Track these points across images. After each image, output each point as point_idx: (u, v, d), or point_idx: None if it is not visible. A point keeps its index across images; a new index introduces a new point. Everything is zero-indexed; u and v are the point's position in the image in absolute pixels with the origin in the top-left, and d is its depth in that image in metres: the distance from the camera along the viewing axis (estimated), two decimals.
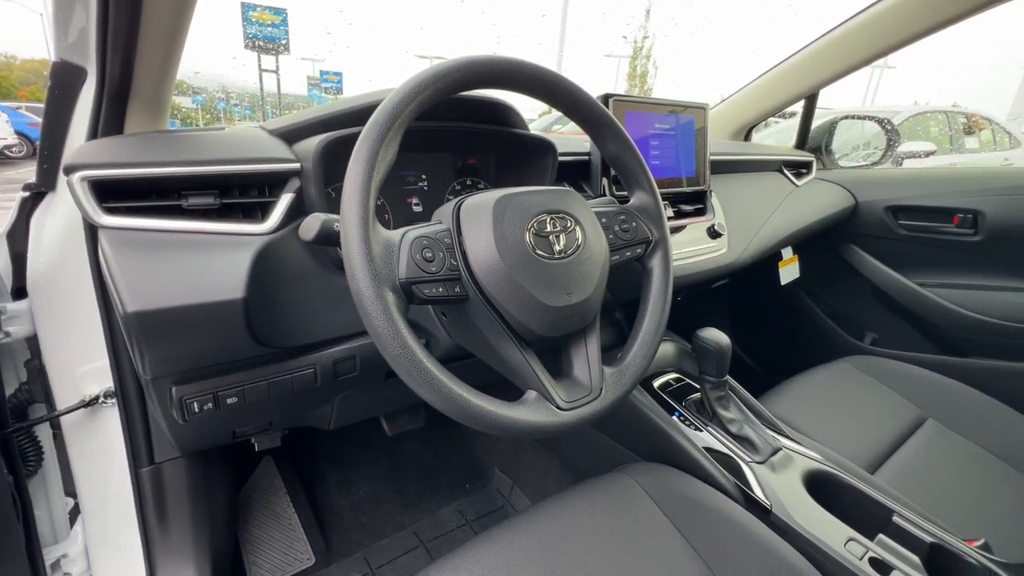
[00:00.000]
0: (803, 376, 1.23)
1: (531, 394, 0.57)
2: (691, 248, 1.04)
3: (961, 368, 1.29)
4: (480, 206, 0.57)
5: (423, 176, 0.89)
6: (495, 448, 1.34)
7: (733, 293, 1.73)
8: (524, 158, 0.89)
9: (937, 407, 1.16)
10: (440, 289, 0.53)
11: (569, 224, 0.61)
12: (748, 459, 0.85)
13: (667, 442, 0.89)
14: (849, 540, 0.73)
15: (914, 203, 1.40)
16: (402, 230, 0.53)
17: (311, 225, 0.51)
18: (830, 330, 1.54)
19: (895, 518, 0.77)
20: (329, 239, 0.51)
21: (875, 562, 0.70)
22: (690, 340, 0.96)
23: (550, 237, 0.58)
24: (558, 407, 0.57)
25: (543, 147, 0.86)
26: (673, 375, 1.05)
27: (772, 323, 1.68)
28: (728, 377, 0.94)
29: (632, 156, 0.72)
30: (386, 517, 1.21)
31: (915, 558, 0.71)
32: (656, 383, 1.02)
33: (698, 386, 0.97)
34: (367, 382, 0.80)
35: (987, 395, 1.18)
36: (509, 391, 0.58)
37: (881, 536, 0.74)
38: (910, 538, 0.75)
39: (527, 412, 0.54)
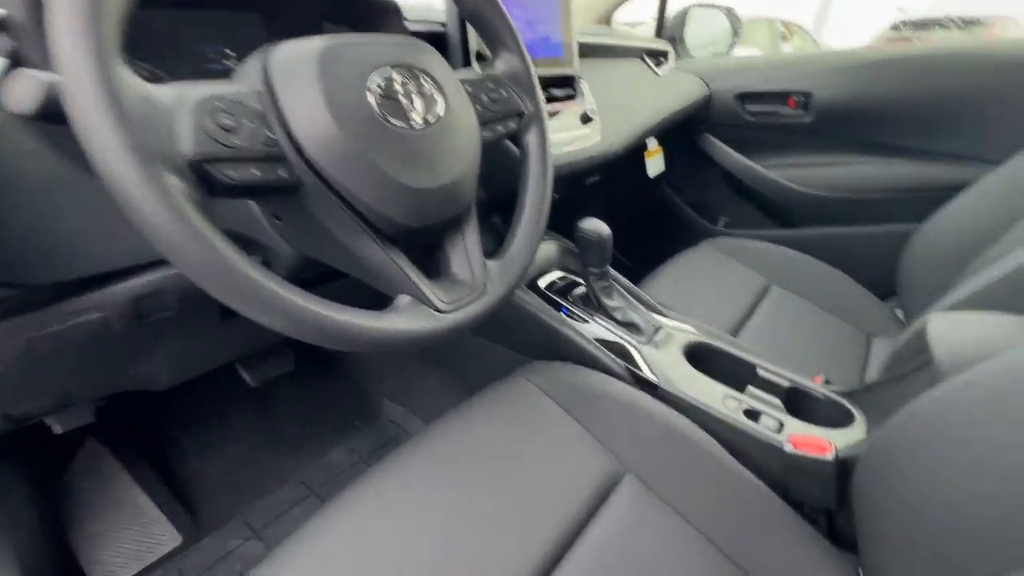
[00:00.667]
0: (671, 262, 1.29)
1: (403, 299, 0.47)
2: (565, 135, 0.97)
3: (796, 239, 1.46)
4: (300, 58, 0.42)
5: (229, 52, 0.67)
6: (380, 377, 1.24)
7: (605, 191, 1.75)
8: (358, 26, 0.72)
9: (778, 275, 1.30)
10: (256, 172, 0.38)
11: (425, 85, 0.48)
12: (634, 342, 0.86)
13: (558, 339, 0.86)
14: (726, 397, 0.77)
15: (758, 88, 1.47)
16: (178, 86, 0.36)
17: (24, 89, 0.33)
18: (691, 218, 1.64)
19: (759, 371, 0.84)
20: (59, 109, 0.33)
21: (748, 412, 0.75)
22: (571, 239, 0.92)
23: (402, 100, 0.46)
24: (438, 310, 0.48)
25: (382, 8, 0.69)
26: (558, 274, 1.02)
27: (641, 218, 1.75)
28: (610, 268, 0.92)
29: (495, 11, 0.60)
30: (265, 472, 1.07)
31: (777, 401, 0.78)
32: (542, 283, 0.98)
33: (582, 282, 0.95)
34: (195, 322, 0.63)
35: (816, 259, 1.35)
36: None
37: (749, 387, 0.81)
38: (771, 386, 0.82)
39: (402, 320, 0.45)
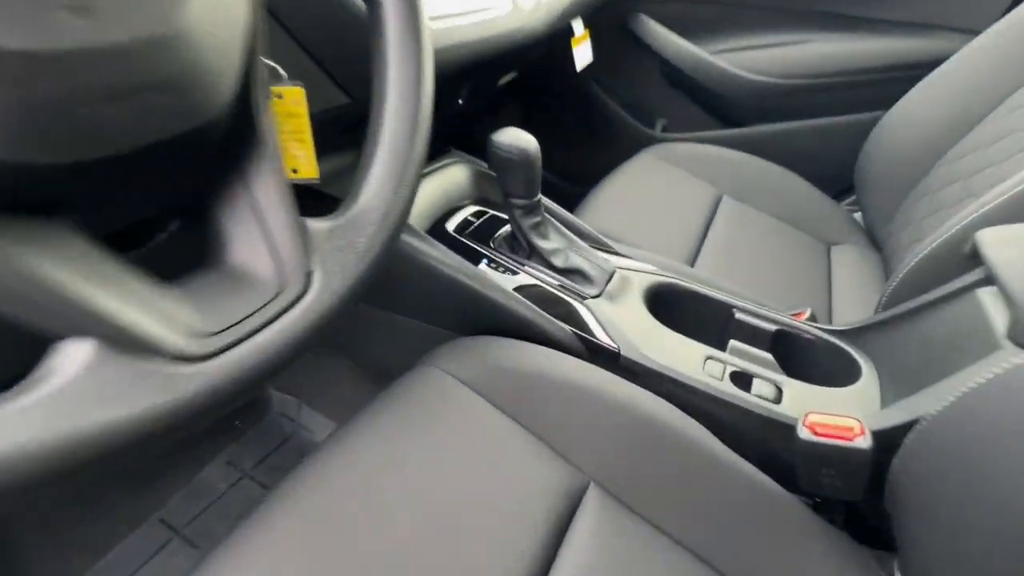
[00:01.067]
0: (608, 181, 1.07)
1: (72, 350, 0.19)
2: (462, 2, 0.67)
3: (745, 139, 1.27)
4: None
5: None
6: None
7: (526, 95, 1.45)
8: None
9: (728, 183, 1.12)
10: None
11: None
12: (583, 295, 0.64)
13: (479, 304, 0.62)
14: (707, 359, 0.58)
15: None
16: None
17: None
18: (626, 124, 1.39)
19: (736, 314, 0.66)
20: None
21: (736, 377, 0.57)
22: (485, 158, 0.65)
23: None
24: (179, 357, 0.21)
25: None
26: (472, 209, 0.76)
27: (571, 128, 1.48)
28: (541, 196, 0.68)
29: None
30: (109, 517, 0.79)
31: (768, 356, 0.61)
32: (450, 225, 0.71)
33: (506, 217, 0.70)
34: None
35: (767, 161, 1.17)
36: None
37: (732, 342, 0.62)
38: (755, 331, 0.65)
39: (48, 408, 0.18)
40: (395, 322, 0.72)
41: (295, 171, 0.48)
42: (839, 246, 1.05)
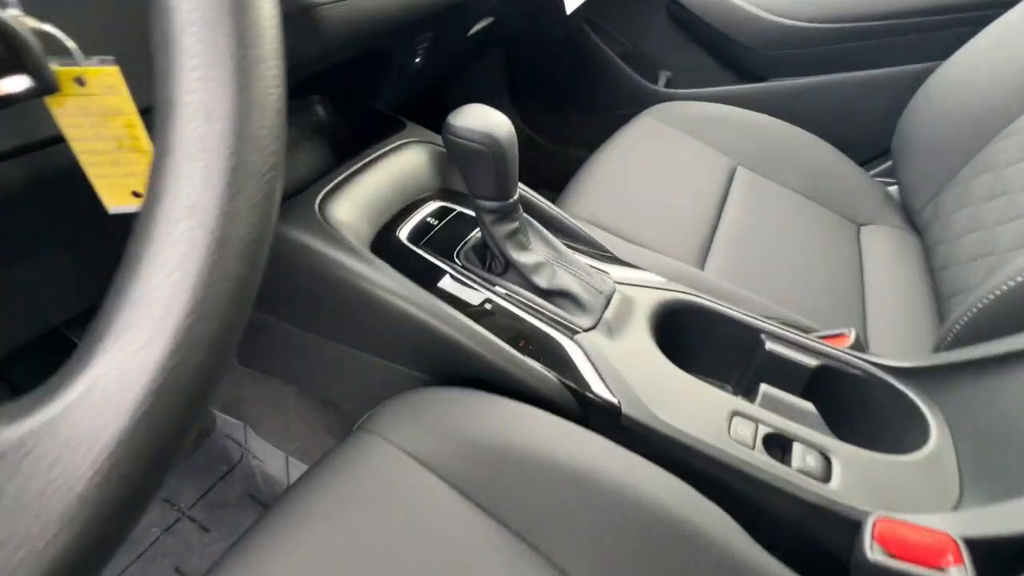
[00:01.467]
0: (604, 151, 0.90)
1: None
2: None
3: (764, 96, 1.09)
4: None
5: None
6: None
7: (505, 46, 1.24)
8: None
9: (743, 151, 0.95)
10: None
11: None
12: (573, 328, 0.50)
13: (435, 343, 0.48)
14: (733, 416, 0.45)
15: None
16: None
17: None
18: (625, 77, 1.20)
19: (767, 344, 0.52)
20: None
21: (771, 439, 0.44)
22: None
23: None
24: None
25: None
26: (433, 207, 0.60)
27: (559, 84, 1.28)
28: (522, 190, 0.52)
29: None
30: None
31: (810, 408, 0.48)
32: (403, 231, 0.55)
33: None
34: None
35: (790, 124, 1.00)
36: None
37: (765, 388, 0.49)
38: (791, 368, 0.51)
39: None
40: (342, 352, 0.57)
41: (137, 194, 0.32)
42: (870, 227, 0.90)
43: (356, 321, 0.52)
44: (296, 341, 0.59)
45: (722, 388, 0.59)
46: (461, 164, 0.47)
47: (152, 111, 0.30)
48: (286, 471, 0.77)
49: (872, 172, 1.05)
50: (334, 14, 0.35)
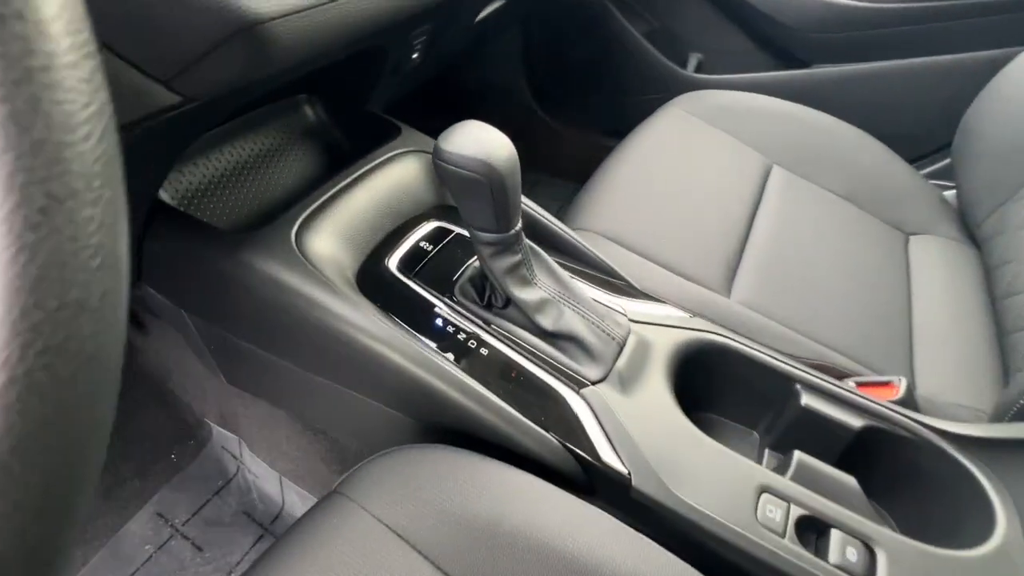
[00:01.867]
0: (624, 150, 0.82)
1: None
2: None
3: (805, 85, 0.98)
4: None
5: None
6: (205, 396, 0.79)
7: (522, 26, 1.14)
8: None
9: (781, 147, 0.86)
10: None
11: None
12: (580, 380, 0.44)
13: (422, 393, 0.43)
14: (762, 493, 0.39)
15: None
16: None
17: None
18: (651, 60, 1.09)
19: (803, 398, 0.46)
20: None
21: (805, 523, 0.38)
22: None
23: None
24: None
25: None
26: (429, 228, 0.54)
27: (581, 66, 1.18)
28: (529, 208, 0.46)
29: None
30: None
31: (852, 484, 0.41)
32: (392, 259, 0.50)
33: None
34: None
35: (835, 117, 0.90)
36: None
37: (799, 457, 0.43)
38: (829, 429, 0.45)
39: None
40: (327, 386, 0.53)
41: None
42: (920, 237, 0.81)
43: (338, 362, 0.47)
44: (281, 371, 0.54)
45: (747, 435, 0.53)
46: (454, 193, 0.41)
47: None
48: (280, 491, 0.74)
49: (925, 172, 0.95)
50: (288, 30, 0.29)
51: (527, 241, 0.46)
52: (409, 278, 0.48)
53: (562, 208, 1.25)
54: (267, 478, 0.75)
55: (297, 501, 0.73)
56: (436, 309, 0.47)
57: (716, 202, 0.76)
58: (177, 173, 0.52)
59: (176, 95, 0.31)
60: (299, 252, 0.44)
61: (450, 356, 0.44)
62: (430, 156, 0.57)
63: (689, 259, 0.66)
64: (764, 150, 0.86)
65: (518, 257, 0.45)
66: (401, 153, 0.55)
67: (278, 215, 0.48)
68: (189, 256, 0.47)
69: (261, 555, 0.38)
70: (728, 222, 0.74)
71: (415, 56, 0.60)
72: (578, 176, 1.24)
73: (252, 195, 0.56)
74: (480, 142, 0.38)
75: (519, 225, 0.43)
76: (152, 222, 0.47)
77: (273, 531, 0.74)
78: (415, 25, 0.54)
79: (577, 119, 1.27)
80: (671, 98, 0.92)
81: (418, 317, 0.46)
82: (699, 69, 1.09)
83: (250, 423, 0.73)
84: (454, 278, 0.50)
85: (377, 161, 0.53)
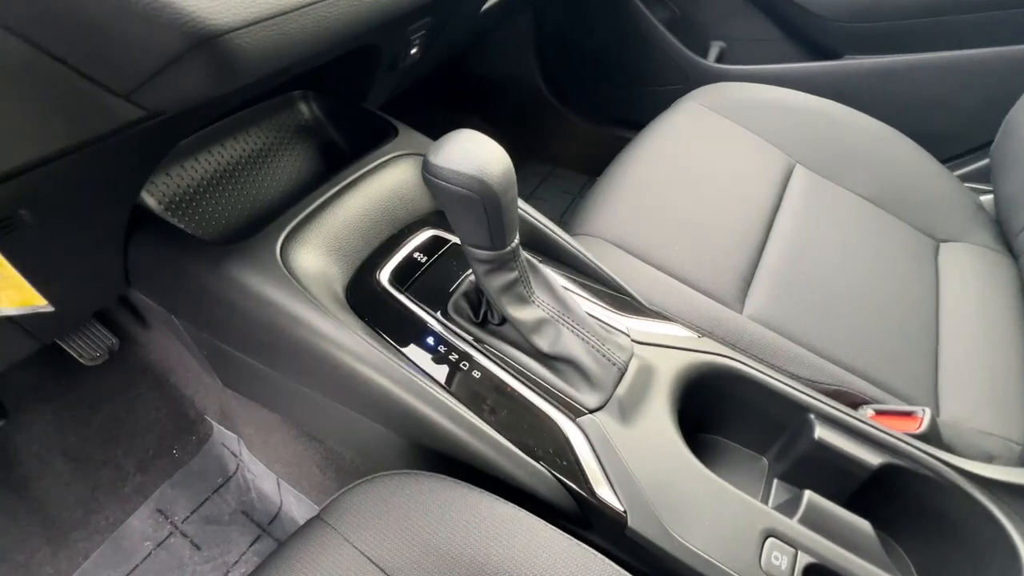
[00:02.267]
0: (636, 147, 0.78)
1: None
2: None
3: (833, 78, 0.92)
4: None
5: None
6: (206, 392, 0.78)
7: (534, 9, 1.09)
8: None
9: (804, 145, 0.81)
10: None
11: None
12: (577, 408, 0.42)
13: (409, 417, 0.41)
14: (768, 537, 0.36)
15: None
16: None
17: None
18: (669, 49, 1.04)
19: (817, 430, 0.43)
20: None
21: (813, 571, 0.36)
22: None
23: None
24: None
25: None
26: (425, 236, 0.52)
27: (596, 53, 1.13)
28: (527, 216, 0.43)
29: None
30: None
31: (866, 529, 0.38)
32: (384, 272, 0.48)
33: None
34: None
35: (862, 112, 0.84)
36: None
37: (810, 497, 0.40)
38: (844, 464, 0.42)
39: None
40: (318, 398, 0.51)
41: None
42: (952, 245, 0.76)
43: (326, 379, 0.45)
44: (273, 379, 0.53)
45: (756, 461, 0.50)
46: (446, 209, 0.38)
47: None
48: (278, 492, 0.74)
49: (960, 173, 0.89)
50: (254, 40, 0.26)
51: (525, 255, 0.43)
52: (401, 292, 0.46)
53: (571, 203, 1.21)
54: (265, 478, 0.74)
55: (294, 502, 0.73)
56: (428, 326, 0.45)
57: (732, 205, 0.72)
58: (164, 176, 0.50)
59: (139, 109, 0.29)
60: (284, 267, 0.42)
61: (440, 378, 0.42)
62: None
63: (699, 269, 0.62)
64: (787, 148, 0.81)
65: (514, 274, 0.42)
66: (397, 156, 0.53)
67: (268, 222, 0.46)
68: (173, 267, 0.45)
69: None
70: (744, 228, 0.70)
71: (414, 51, 0.57)
72: (590, 168, 1.19)
73: (242, 199, 0.54)
74: (473, 155, 0.35)
75: (516, 241, 0.41)
76: (137, 229, 0.46)
77: (271, 532, 0.74)
78: (410, 21, 0.50)
79: (591, 110, 1.22)
80: (690, 89, 0.87)
81: (409, 335, 0.44)
82: (721, 59, 1.03)
83: (248, 424, 0.72)
84: (449, 291, 0.48)
85: (371, 166, 0.51)
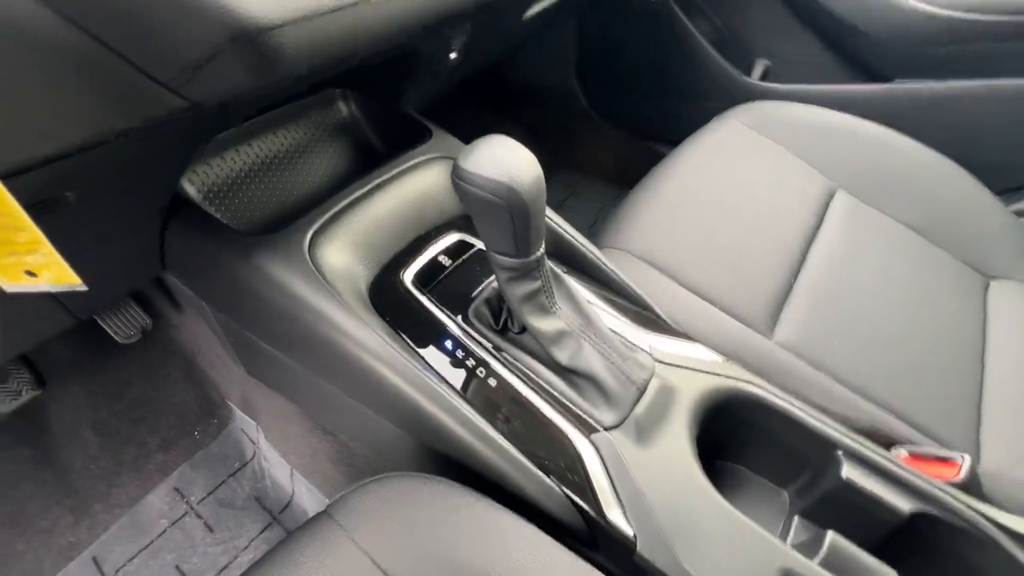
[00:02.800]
0: (672, 162, 0.76)
1: None
2: None
3: (883, 102, 0.89)
4: None
5: None
6: (231, 378, 0.80)
7: (578, 23, 1.09)
8: None
9: (848, 170, 0.78)
10: None
11: None
12: (592, 425, 0.41)
13: (422, 420, 0.41)
14: None
15: None
16: None
17: None
18: (712, 64, 1.02)
19: (845, 468, 0.41)
20: None
21: None
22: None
23: None
24: None
25: None
26: (451, 240, 0.52)
27: (636, 65, 1.12)
28: (554, 224, 0.43)
29: None
30: (44, 547, 0.71)
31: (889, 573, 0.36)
32: (408, 272, 0.48)
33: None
34: None
35: (912, 139, 0.81)
36: None
37: (831, 539, 0.38)
38: (873, 509, 0.40)
39: None
40: (335, 392, 0.51)
41: (31, 273, 0.26)
42: (1003, 283, 0.72)
43: (344, 375, 0.45)
44: (294, 370, 0.54)
45: (776, 494, 0.48)
46: (473, 215, 0.38)
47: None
48: (291, 482, 0.75)
49: (1014, 207, 0.84)
50: (295, 38, 0.26)
51: (550, 264, 0.43)
52: (423, 293, 0.46)
53: (600, 214, 1.20)
54: (280, 467, 0.76)
55: (305, 493, 0.73)
56: (447, 329, 0.44)
57: (768, 227, 0.70)
58: (205, 165, 0.52)
59: (183, 100, 0.29)
60: (311, 262, 0.42)
61: (456, 383, 0.41)
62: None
63: (729, 290, 0.61)
64: (829, 172, 0.78)
65: (537, 284, 0.42)
66: (429, 159, 0.53)
67: (300, 216, 0.47)
68: (206, 254, 0.47)
69: (247, 569, 0.37)
70: (780, 250, 0.67)
71: (453, 56, 0.57)
72: (622, 181, 1.18)
73: (277, 191, 0.55)
74: (503, 162, 0.35)
75: (541, 250, 0.40)
76: (175, 215, 0.47)
77: (281, 521, 0.75)
78: (451, 25, 0.51)
79: (629, 122, 1.21)
80: (731, 106, 0.85)
81: (428, 337, 0.44)
82: (765, 76, 1.01)
83: (266, 412, 0.74)
84: (471, 296, 0.47)
85: (403, 167, 0.51)
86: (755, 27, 1.00)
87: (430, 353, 0.43)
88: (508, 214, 0.36)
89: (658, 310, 0.51)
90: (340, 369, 0.44)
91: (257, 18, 0.24)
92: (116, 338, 0.73)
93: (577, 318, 0.43)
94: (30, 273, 0.25)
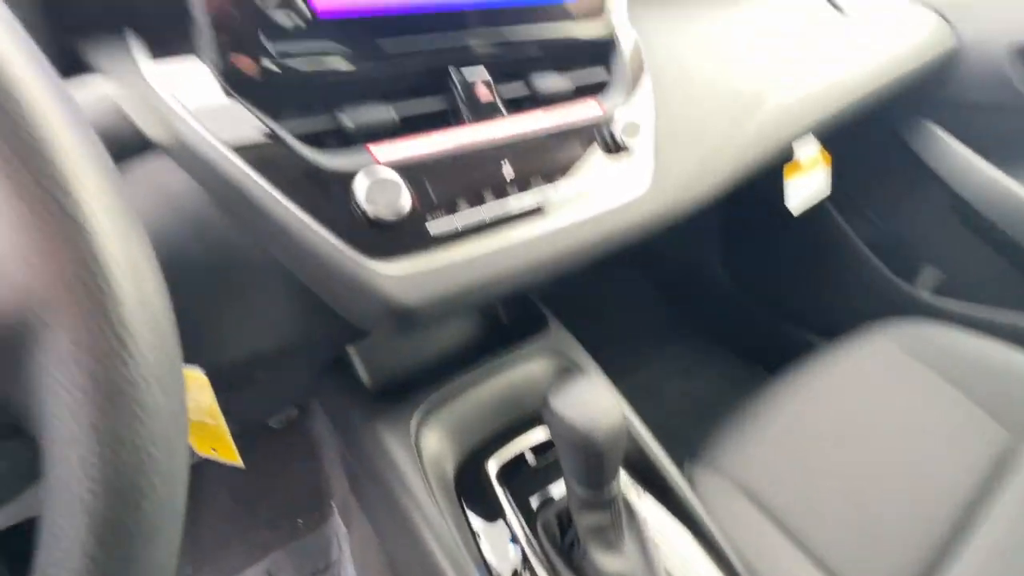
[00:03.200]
0: (800, 380, 0.70)
1: None
2: (555, 192, 0.45)
3: None
4: None
5: None
6: (339, 479, 0.91)
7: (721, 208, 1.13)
8: None
9: None
10: None
11: None
12: None
13: None
14: None
15: None
16: None
17: None
18: (869, 268, 0.96)
19: None
20: None
21: None
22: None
23: None
24: None
25: None
26: (542, 437, 0.55)
27: (779, 254, 1.11)
28: (616, 489, 0.43)
29: None
30: None
31: None
32: (493, 463, 0.52)
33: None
34: None
35: None
36: None
37: None
38: None
39: None
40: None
41: (214, 449, 0.35)
42: None
43: (404, 548, 0.49)
44: (375, 510, 0.59)
45: None
46: (555, 443, 0.41)
47: None
48: None
49: None
50: (431, 312, 0.34)
51: (624, 496, 0.43)
52: (502, 488, 0.49)
53: (712, 411, 1.13)
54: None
55: None
56: (515, 534, 0.46)
57: (916, 483, 0.59)
58: None
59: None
60: (415, 443, 0.48)
61: None
62: (571, 359, 0.58)
63: (850, 558, 0.52)
64: (1011, 424, 0.66)
65: (607, 518, 0.42)
66: (543, 351, 0.58)
67: (418, 383, 0.54)
68: (336, 401, 0.56)
69: None
70: (927, 518, 0.57)
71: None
72: (764, 362, 1.10)
73: (405, 348, 0.63)
74: (583, 410, 0.38)
75: (615, 491, 0.41)
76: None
77: None
78: None
79: (774, 302, 1.16)
80: (887, 315, 0.77)
81: (496, 536, 0.46)
82: (938, 291, 0.91)
83: (356, 526, 0.80)
84: (548, 497, 0.49)
85: (517, 357, 0.57)
86: (925, 233, 0.93)
87: (492, 549, 0.45)
88: (584, 456, 0.38)
89: (749, 564, 0.47)
90: (402, 546, 0.48)
91: (404, 302, 0.33)
92: (271, 424, 0.88)
93: (642, 562, 0.42)
94: (213, 450, 0.34)
